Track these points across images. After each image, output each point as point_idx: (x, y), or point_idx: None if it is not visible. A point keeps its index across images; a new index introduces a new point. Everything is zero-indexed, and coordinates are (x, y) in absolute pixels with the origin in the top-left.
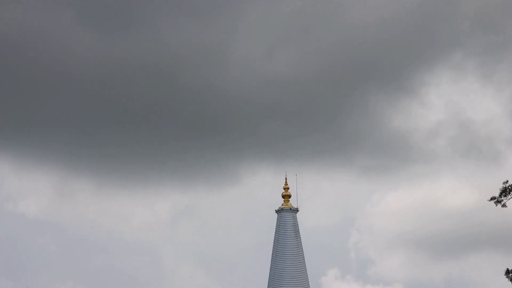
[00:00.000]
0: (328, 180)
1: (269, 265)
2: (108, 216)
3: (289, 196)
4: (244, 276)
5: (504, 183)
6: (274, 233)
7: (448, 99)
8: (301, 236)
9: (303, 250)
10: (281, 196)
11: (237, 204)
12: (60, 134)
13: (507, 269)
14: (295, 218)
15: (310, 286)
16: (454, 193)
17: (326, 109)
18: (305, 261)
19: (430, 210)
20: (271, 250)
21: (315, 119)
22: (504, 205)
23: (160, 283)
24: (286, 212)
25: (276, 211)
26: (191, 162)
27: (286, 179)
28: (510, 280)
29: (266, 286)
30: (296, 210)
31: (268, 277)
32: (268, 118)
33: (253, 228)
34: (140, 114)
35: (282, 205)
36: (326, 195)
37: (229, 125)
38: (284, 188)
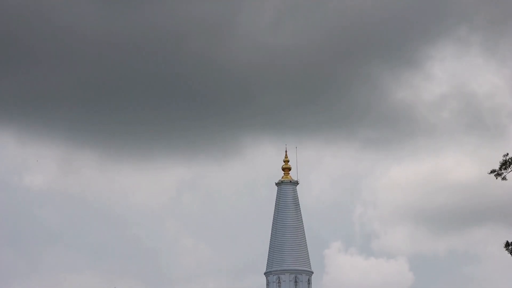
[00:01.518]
0: (330, 153)
1: (269, 237)
2: (112, 188)
3: (289, 169)
4: (245, 248)
5: (504, 156)
6: (274, 206)
7: (452, 73)
8: (303, 209)
9: (305, 223)
10: (281, 169)
11: (239, 177)
12: (64, 108)
13: (507, 241)
14: (295, 191)
15: (312, 258)
16: (458, 166)
17: (329, 82)
18: (308, 234)
19: (434, 183)
20: (271, 223)
21: (318, 92)
22: (504, 178)
23: (163, 254)
24: (286, 184)
25: (276, 184)
26: (194, 134)
27: (286, 152)
28: (510, 253)
29: (266, 258)
30: (296, 183)
31: (268, 248)
32: (271, 91)
33: (254, 201)
34: (144, 87)
35: (282, 178)
36: (328, 168)
37: (232, 98)
38: (284, 161)
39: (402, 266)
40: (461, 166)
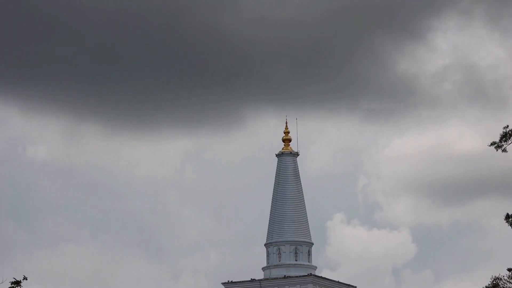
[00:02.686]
0: (333, 124)
1: (270, 208)
2: (115, 159)
3: (289, 140)
4: (246, 219)
5: (504, 128)
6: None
7: (455, 44)
8: (305, 181)
9: (307, 194)
10: (281, 141)
11: (241, 148)
12: (67, 78)
13: (507, 213)
14: (295, 162)
15: (315, 230)
16: (461, 138)
17: (332, 53)
18: (310, 205)
19: (437, 155)
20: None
21: (321, 63)
22: (504, 150)
23: (165, 225)
24: (286, 156)
25: (277, 155)
26: (197, 106)
27: (286, 123)
28: (510, 225)
29: (267, 229)
30: (296, 154)
31: (268, 219)
32: (274, 62)
33: (256, 172)
34: (147, 57)
35: (283, 149)
36: (330, 139)
37: (235, 69)
38: (284, 132)
39: (405, 237)
40: (464, 138)
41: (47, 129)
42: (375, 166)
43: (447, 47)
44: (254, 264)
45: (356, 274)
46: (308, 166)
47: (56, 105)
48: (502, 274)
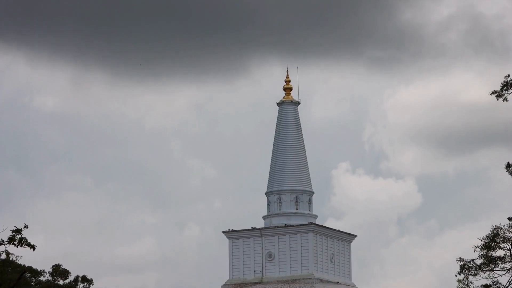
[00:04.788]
0: (336, 73)
1: (271, 157)
2: (121, 109)
3: (290, 89)
4: (248, 168)
5: (505, 77)
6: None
7: None
8: (309, 130)
9: (311, 144)
10: (282, 89)
11: (245, 98)
12: (74, 27)
13: (508, 163)
14: (296, 111)
15: (319, 179)
16: (467, 88)
17: (337, 0)
18: (314, 154)
19: (442, 105)
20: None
21: (325, 11)
22: (505, 99)
23: (169, 175)
24: (287, 105)
25: (277, 104)
26: (203, 54)
27: (287, 72)
28: (511, 174)
29: (268, 178)
30: (297, 103)
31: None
32: (279, 11)
33: (259, 121)
34: (153, 7)
35: (283, 98)
36: (334, 88)
37: (241, 18)
38: (285, 81)
39: (411, 187)
40: (469, 87)
41: (53, 78)
42: (380, 115)
43: None
44: (257, 213)
45: (361, 224)
46: (312, 115)
47: (63, 54)
48: (503, 223)
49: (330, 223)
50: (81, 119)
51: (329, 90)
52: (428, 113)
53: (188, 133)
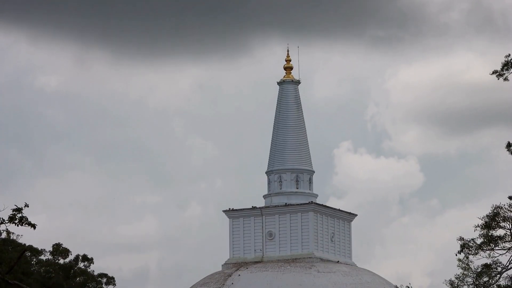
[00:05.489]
0: (338, 52)
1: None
2: (123, 88)
3: (291, 68)
4: (249, 148)
5: (506, 56)
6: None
7: None
8: (311, 109)
9: (312, 123)
10: (283, 68)
11: (246, 77)
12: (75, 5)
13: (508, 142)
14: (296, 90)
15: (320, 158)
16: (469, 67)
17: None
18: (316, 133)
19: (444, 85)
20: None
21: None
22: (506, 79)
23: (170, 153)
24: (288, 84)
25: (278, 83)
26: (205, 33)
27: (288, 51)
28: (511, 154)
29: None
30: (298, 82)
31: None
32: None
33: (260, 101)
34: None
35: (284, 77)
36: (336, 67)
37: None
38: (285, 60)
39: (413, 166)
40: (471, 67)
41: (56, 57)
42: (382, 94)
43: None
44: (257, 192)
45: (362, 203)
46: (313, 95)
47: (65, 34)
48: (503, 203)
49: (332, 202)
50: (83, 98)
51: (331, 69)
52: (430, 92)
53: (190, 112)
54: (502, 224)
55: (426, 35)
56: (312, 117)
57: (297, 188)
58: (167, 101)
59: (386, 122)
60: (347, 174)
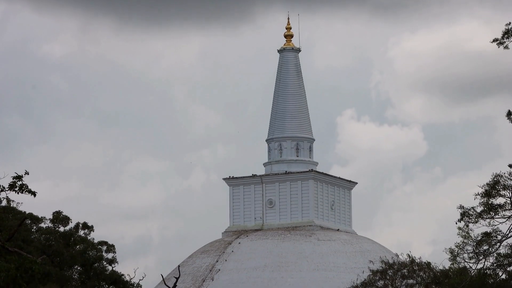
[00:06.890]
0: (339, 20)
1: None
2: (126, 56)
3: (291, 36)
4: (250, 115)
5: (506, 24)
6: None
7: None
8: (313, 77)
9: (314, 90)
10: (283, 36)
11: (248, 44)
12: None
13: (509, 110)
14: (297, 58)
15: (322, 126)
16: (472, 36)
17: None
18: (318, 101)
19: (448, 53)
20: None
21: None
22: (506, 47)
23: (170, 122)
24: (288, 52)
25: (278, 51)
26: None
27: (288, 19)
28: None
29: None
30: (298, 50)
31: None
32: None
33: (262, 68)
34: None
35: (284, 45)
36: (337, 35)
37: None
38: (286, 28)
39: (417, 135)
40: (475, 36)
41: (60, 25)
42: (385, 63)
43: None
44: (260, 160)
45: (365, 171)
46: (315, 63)
47: (70, 2)
48: (503, 171)
49: (335, 171)
50: (87, 66)
51: (332, 37)
52: (433, 61)
53: (193, 79)
54: (502, 192)
55: (429, 2)
56: (314, 85)
57: (297, 156)
58: (170, 69)
59: (389, 90)
60: (350, 142)
